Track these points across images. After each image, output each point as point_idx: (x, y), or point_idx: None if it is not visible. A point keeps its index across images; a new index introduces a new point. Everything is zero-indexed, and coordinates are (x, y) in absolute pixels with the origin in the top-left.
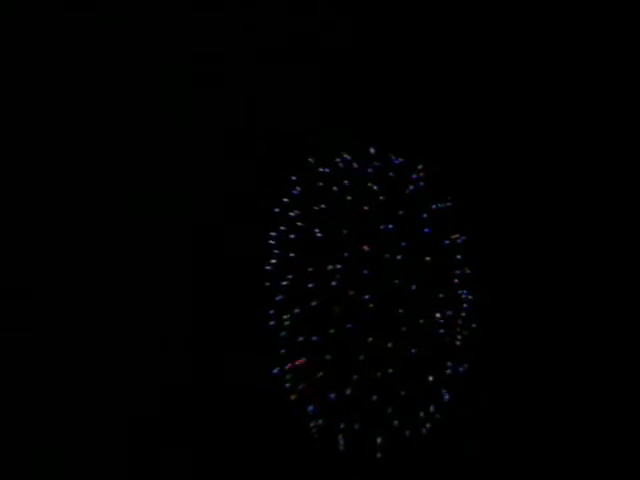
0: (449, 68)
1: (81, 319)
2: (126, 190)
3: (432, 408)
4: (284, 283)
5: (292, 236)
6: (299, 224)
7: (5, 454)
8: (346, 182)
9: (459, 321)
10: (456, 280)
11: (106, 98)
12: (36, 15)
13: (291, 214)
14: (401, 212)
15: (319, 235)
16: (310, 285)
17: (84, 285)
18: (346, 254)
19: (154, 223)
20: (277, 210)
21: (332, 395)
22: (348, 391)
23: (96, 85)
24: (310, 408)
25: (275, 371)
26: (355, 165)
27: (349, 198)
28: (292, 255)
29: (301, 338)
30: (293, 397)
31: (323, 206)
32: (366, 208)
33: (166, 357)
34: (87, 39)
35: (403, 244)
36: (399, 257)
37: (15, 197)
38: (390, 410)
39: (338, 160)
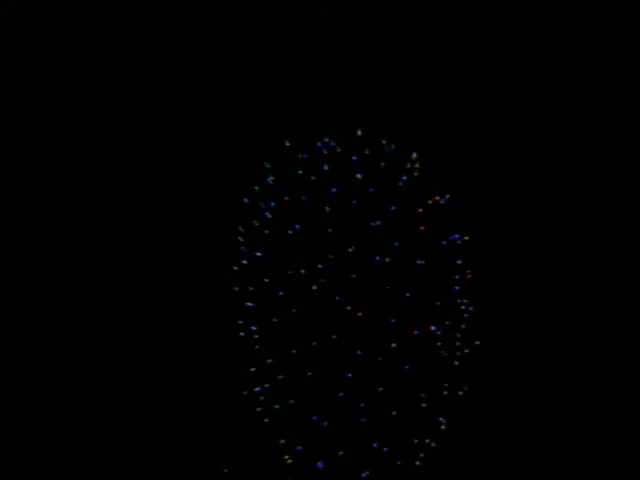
0: (448, 42)
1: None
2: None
3: (428, 440)
4: (255, 288)
5: (266, 232)
6: (268, 215)
7: (5, 454)
8: (326, 167)
9: (458, 334)
10: (456, 287)
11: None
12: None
13: (263, 206)
14: (393, 207)
15: (290, 233)
16: (286, 291)
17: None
18: (330, 255)
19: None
20: (247, 201)
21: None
22: (329, 414)
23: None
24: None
25: (244, 393)
26: (339, 150)
27: (333, 190)
28: (265, 255)
29: (276, 352)
30: (266, 420)
31: (304, 198)
32: (353, 202)
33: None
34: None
35: (395, 244)
36: (387, 259)
37: (14, 197)
38: (379, 436)
39: (320, 145)
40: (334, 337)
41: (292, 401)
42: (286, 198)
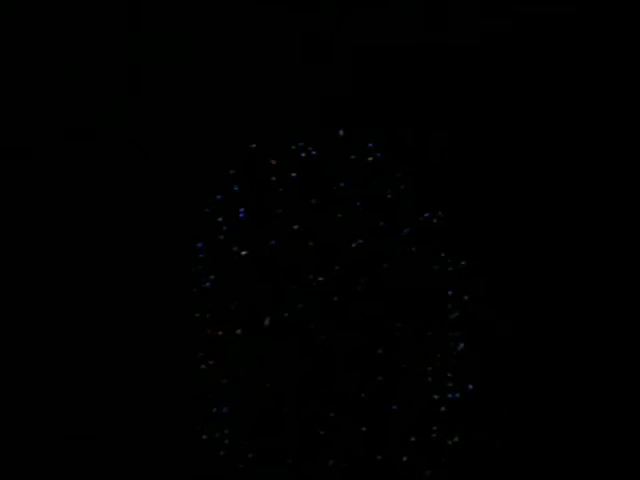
0: (447, 38)
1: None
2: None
3: None
4: (217, 314)
5: (235, 248)
6: (225, 229)
7: (5, 454)
8: (293, 175)
9: (449, 374)
10: (452, 316)
11: None
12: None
13: (220, 220)
14: (382, 223)
15: (245, 253)
16: (256, 317)
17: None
18: (311, 275)
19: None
20: (207, 211)
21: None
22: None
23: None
24: None
25: (205, 437)
26: (315, 154)
27: (313, 201)
28: (229, 275)
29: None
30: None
31: (280, 211)
32: (339, 215)
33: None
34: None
35: (384, 265)
36: (367, 282)
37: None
38: None
39: (294, 148)
40: (310, 368)
41: (260, 446)
42: (255, 209)
